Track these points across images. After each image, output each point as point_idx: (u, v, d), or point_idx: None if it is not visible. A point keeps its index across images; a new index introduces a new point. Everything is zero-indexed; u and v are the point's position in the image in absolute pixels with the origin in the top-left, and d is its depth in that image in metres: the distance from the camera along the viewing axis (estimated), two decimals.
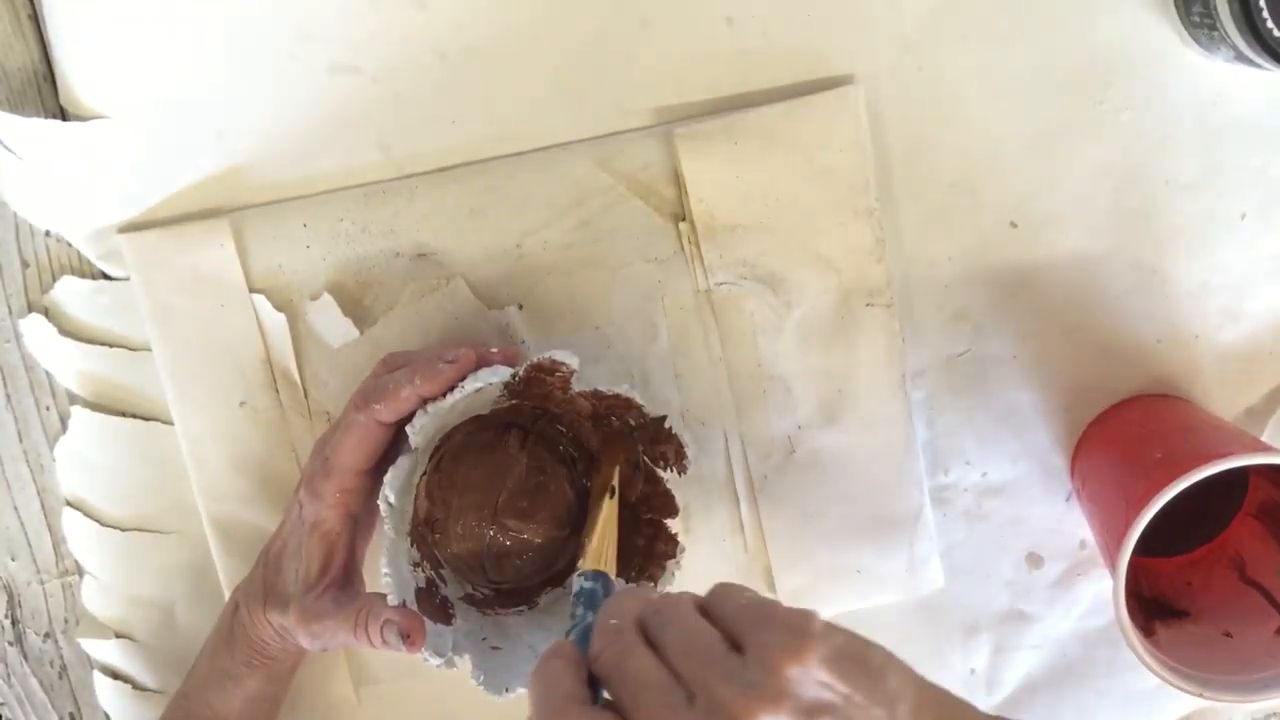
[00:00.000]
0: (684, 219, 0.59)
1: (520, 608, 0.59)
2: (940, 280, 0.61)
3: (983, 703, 0.66)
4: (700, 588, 0.44)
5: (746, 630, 0.41)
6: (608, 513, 0.54)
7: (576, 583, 0.49)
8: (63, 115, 0.59)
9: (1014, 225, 0.60)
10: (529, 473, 0.58)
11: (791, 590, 0.63)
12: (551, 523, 0.59)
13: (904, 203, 0.60)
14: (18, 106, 0.59)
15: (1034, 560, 0.65)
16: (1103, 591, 0.65)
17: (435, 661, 0.52)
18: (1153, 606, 0.60)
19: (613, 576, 0.50)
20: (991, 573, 0.65)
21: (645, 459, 0.58)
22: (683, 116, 0.59)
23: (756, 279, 0.60)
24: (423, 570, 0.56)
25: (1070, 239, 0.60)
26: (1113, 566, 0.54)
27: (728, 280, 0.60)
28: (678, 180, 0.59)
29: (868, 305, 0.60)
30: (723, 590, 0.43)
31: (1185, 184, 0.60)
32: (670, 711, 0.39)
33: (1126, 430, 0.60)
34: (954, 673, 0.66)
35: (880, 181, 0.59)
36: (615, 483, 0.56)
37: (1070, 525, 0.64)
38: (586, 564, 0.51)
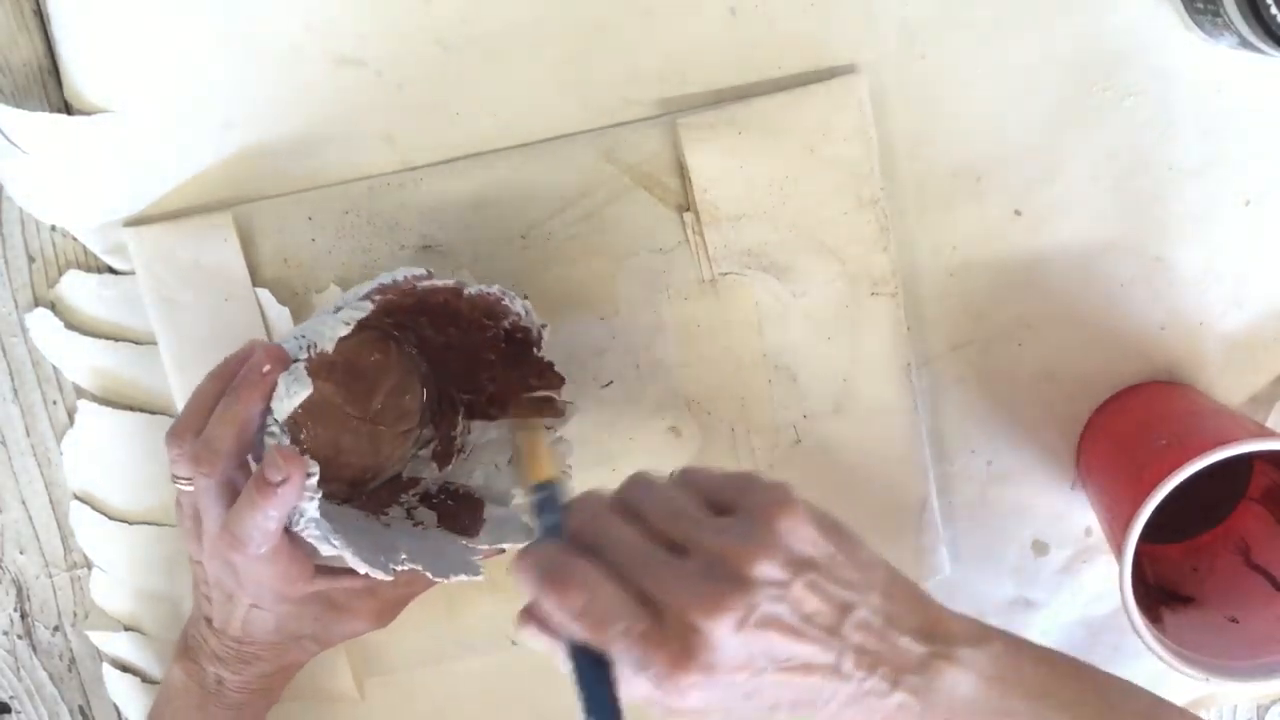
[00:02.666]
0: (688, 209, 0.59)
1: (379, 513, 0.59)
2: (945, 269, 0.61)
3: None
4: None
5: (732, 494, 0.44)
6: (533, 436, 0.54)
7: (529, 497, 0.49)
8: (67, 109, 0.59)
9: (1018, 213, 0.60)
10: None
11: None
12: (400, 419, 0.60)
13: (908, 191, 0.60)
14: (22, 101, 0.59)
15: (1039, 547, 0.65)
16: (1108, 578, 0.65)
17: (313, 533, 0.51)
18: (1159, 592, 0.60)
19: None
20: (997, 560, 0.65)
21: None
22: (686, 107, 0.59)
23: (761, 268, 0.60)
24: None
25: (1074, 226, 0.60)
26: (1119, 553, 0.54)
27: (732, 270, 0.60)
28: (682, 170, 0.59)
29: (872, 294, 0.60)
30: (690, 468, 0.46)
31: (1189, 170, 0.60)
32: (666, 567, 0.41)
33: (1131, 417, 0.60)
34: None
35: (884, 170, 0.59)
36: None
37: (1075, 512, 0.64)
38: (532, 478, 0.50)
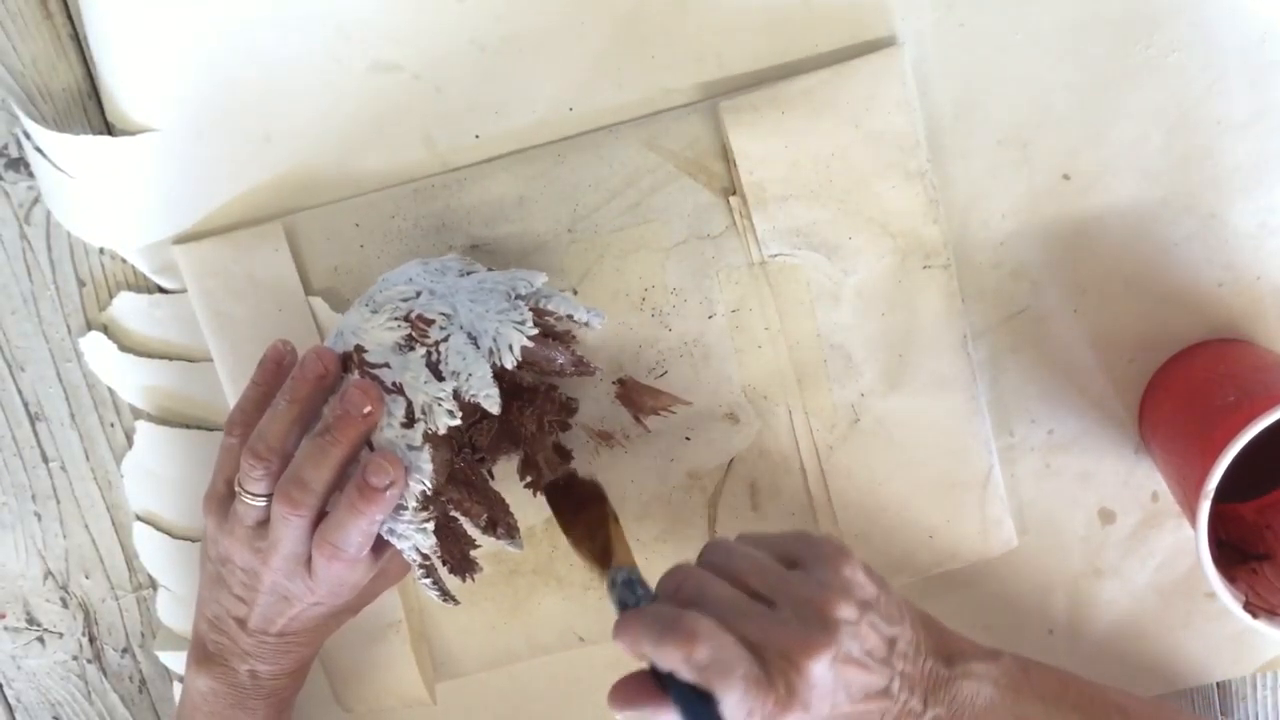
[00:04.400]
0: (734, 193, 0.59)
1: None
2: (996, 238, 0.60)
3: (1062, 663, 0.66)
4: None
5: (796, 549, 0.50)
6: (616, 529, 0.56)
7: (615, 577, 0.52)
8: (109, 131, 0.59)
9: (1066, 177, 0.60)
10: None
11: (861, 559, 0.63)
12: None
13: (954, 162, 0.59)
14: (65, 125, 0.60)
15: (1106, 515, 0.64)
16: (1178, 542, 0.64)
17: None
18: (1232, 552, 0.59)
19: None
20: (1064, 530, 0.64)
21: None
22: (726, 90, 0.59)
23: (811, 248, 0.59)
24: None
25: (1124, 188, 0.60)
26: (1192, 514, 0.53)
27: (782, 251, 0.59)
28: (726, 154, 0.59)
29: (925, 268, 0.59)
30: (747, 534, 0.52)
31: (1237, 124, 0.59)
32: (764, 616, 0.47)
33: (1194, 376, 0.60)
34: (1031, 633, 0.65)
35: (929, 142, 0.58)
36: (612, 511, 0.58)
37: (1140, 477, 0.64)
38: (616, 564, 0.53)
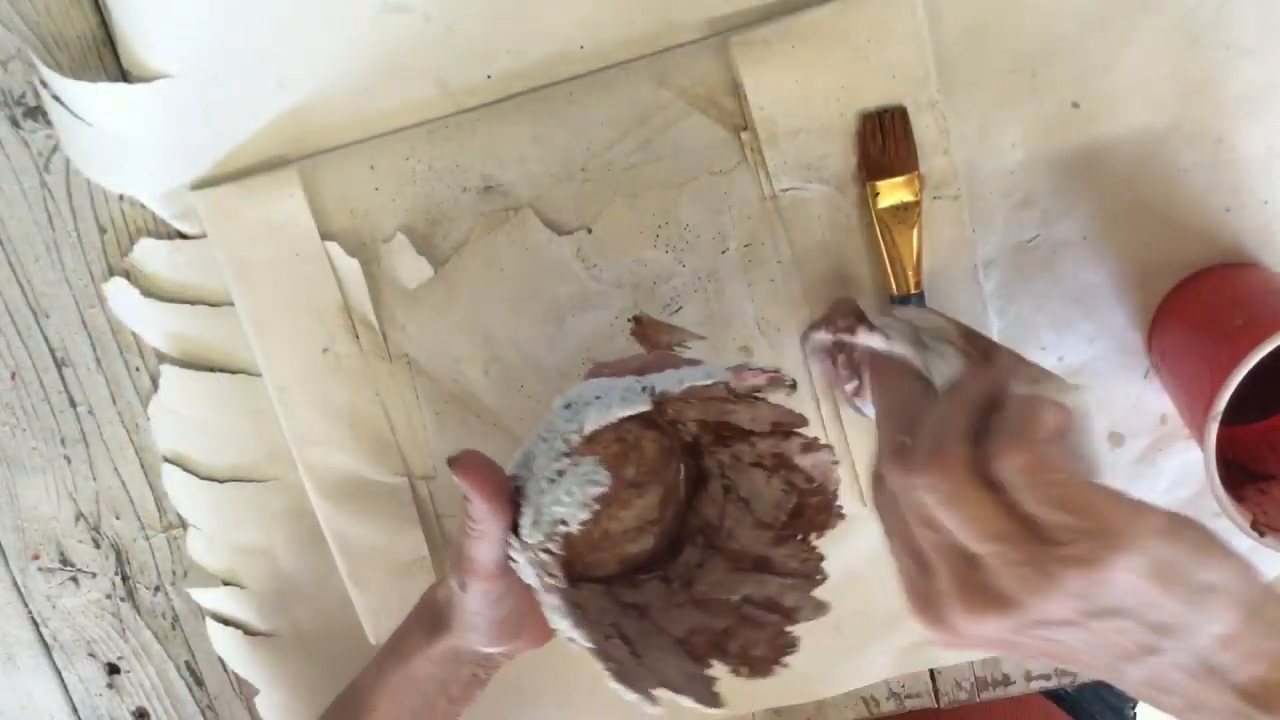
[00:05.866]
0: (745, 128, 0.60)
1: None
2: (1006, 167, 0.61)
3: None
4: None
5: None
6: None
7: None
8: (125, 78, 0.60)
9: (1076, 105, 0.60)
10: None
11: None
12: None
13: (964, 92, 0.60)
14: (81, 73, 0.60)
15: (1115, 439, 0.65)
16: (1186, 464, 0.65)
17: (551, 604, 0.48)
18: (1240, 472, 0.60)
19: None
20: None
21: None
22: (736, 25, 0.59)
23: (822, 181, 0.60)
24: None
25: (1133, 115, 0.60)
26: (1201, 435, 0.54)
27: (794, 185, 0.60)
28: (736, 90, 0.59)
29: (935, 198, 0.60)
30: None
31: (1245, 49, 0.59)
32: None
33: (1203, 300, 0.60)
34: None
35: (939, 72, 0.59)
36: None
37: (1149, 401, 0.64)
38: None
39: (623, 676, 0.47)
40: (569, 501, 0.47)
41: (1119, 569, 0.37)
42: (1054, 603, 0.38)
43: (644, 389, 0.48)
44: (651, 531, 0.56)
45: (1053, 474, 0.39)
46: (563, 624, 0.48)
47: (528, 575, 0.49)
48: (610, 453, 0.54)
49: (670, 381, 0.48)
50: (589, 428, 0.48)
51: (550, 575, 0.48)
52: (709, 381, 0.47)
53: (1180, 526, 0.39)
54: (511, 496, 0.50)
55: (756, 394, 0.49)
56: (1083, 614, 0.38)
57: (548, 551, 0.48)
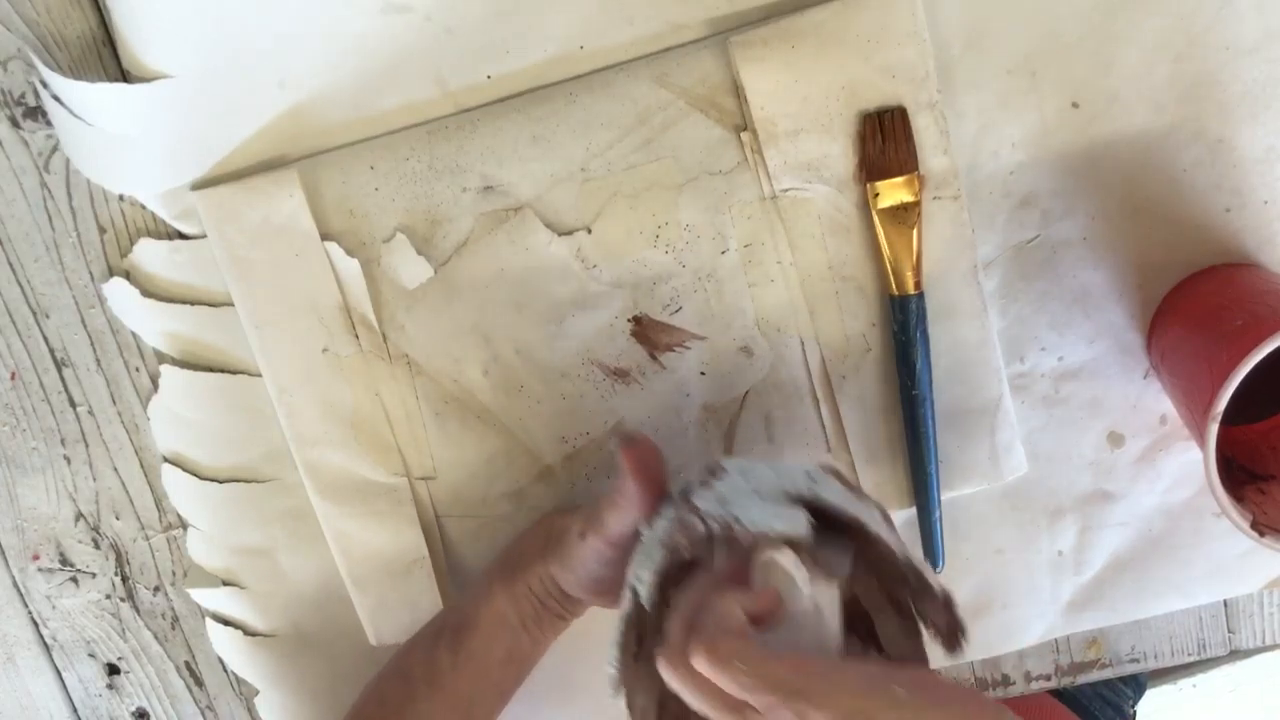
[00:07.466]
0: (745, 128, 0.60)
1: None
2: (1005, 167, 0.61)
3: (1072, 582, 0.67)
4: None
5: None
6: None
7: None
8: (125, 78, 0.60)
9: (1075, 106, 0.60)
10: None
11: (874, 485, 0.64)
12: None
13: (964, 92, 0.60)
14: (80, 73, 0.60)
15: (1115, 439, 0.65)
16: (1185, 465, 0.65)
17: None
18: (1240, 472, 0.60)
19: None
20: (1073, 455, 0.65)
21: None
22: (736, 25, 0.59)
23: (822, 181, 0.60)
24: None
25: (1133, 115, 0.60)
26: (1200, 436, 0.54)
27: (793, 186, 0.60)
28: (737, 90, 0.59)
29: (935, 198, 0.60)
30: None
31: (1246, 49, 0.59)
32: None
33: (1203, 301, 0.60)
34: (1042, 556, 0.67)
35: (939, 73, 0.59)
36: None
37: (1149, 401, 0.65)
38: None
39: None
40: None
41: None
42: None
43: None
44: None
45: (739, 662, 0.46)
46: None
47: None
48: None
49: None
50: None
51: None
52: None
53: (884, 683, 0.45)
54: (664, 491, 0.56)
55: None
56: None
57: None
